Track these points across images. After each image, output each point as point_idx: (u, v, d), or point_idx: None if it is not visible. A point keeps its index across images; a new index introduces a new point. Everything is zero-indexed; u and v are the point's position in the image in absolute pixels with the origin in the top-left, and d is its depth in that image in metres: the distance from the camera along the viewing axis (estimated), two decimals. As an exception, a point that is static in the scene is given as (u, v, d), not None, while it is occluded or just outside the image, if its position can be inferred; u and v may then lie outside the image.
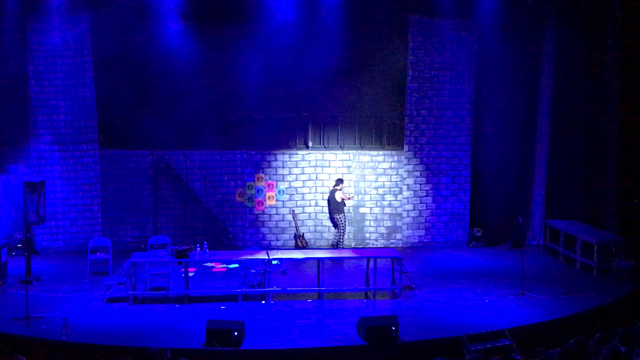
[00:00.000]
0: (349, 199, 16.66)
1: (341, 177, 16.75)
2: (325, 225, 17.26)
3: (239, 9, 16.07)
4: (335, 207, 16.47)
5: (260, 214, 17.20)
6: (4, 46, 15.56)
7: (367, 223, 17.29)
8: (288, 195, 17.23)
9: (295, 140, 17.34)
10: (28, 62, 15.91)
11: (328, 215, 16.79)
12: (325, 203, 17.10)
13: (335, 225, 16.56)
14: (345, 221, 16.53)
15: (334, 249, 16.22)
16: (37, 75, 16.02)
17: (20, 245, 15.49)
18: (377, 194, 17.30)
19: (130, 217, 16.81)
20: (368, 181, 17.28)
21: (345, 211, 16.65)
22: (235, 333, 10.63)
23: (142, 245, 15.79)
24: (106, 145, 16.54)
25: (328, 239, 17.16)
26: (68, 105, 16.28)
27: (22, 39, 15.74)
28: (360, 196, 17.20)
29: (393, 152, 17.41)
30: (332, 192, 16.55)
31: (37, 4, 15.64)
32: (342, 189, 16.52)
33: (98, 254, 14.70)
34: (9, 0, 15.50)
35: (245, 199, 17.16)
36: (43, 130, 16.14)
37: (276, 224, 17.24)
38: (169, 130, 16.13)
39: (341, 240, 16.50)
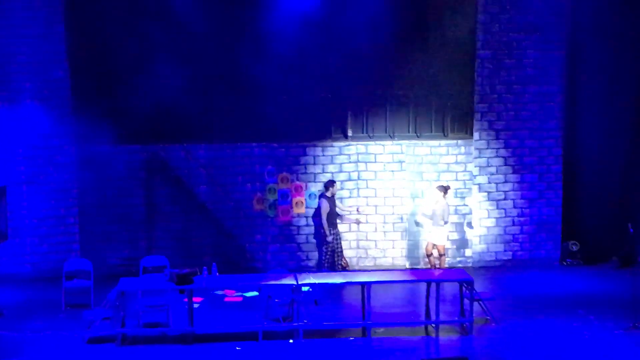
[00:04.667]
0: (350, 213, 16.67)
1: (332, 179, 16.78)
2: (372, 240, 17.30)
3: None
4: (323, 219, 16.30)
5: (285, 225, 17.30)
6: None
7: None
8: (322, 201, 17.33)
9: (331, 129, 17.41)
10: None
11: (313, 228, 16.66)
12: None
13: (323, 242, 16.32)
14: (339, 238, 16.41)
15: (320, 271, 16.09)
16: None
17: (-25, 270, 15.80)
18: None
19: (116, 233, 17.04)
20: (427, 180, 17.22)
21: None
22: (255, 382, 10.73)
23: (132, 269, 15.95)
24: (84, 139, 16.72)
25: (375, 257, 17.21)
26: (35, 87, 16.52)
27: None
28: (418, 200, 17.21)
29: (459, 141, 17.41)
30: (319, 198, 16.47)
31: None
32: (335, 195, 16.40)
33: (76, 280, 14.91)
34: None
35: (265, 207, 17.26)
36: (1, 123, 16.37)
37: (306, 238, 17.32)
38: (165, 117, 16.35)
39: (336, 260, 16.26)
